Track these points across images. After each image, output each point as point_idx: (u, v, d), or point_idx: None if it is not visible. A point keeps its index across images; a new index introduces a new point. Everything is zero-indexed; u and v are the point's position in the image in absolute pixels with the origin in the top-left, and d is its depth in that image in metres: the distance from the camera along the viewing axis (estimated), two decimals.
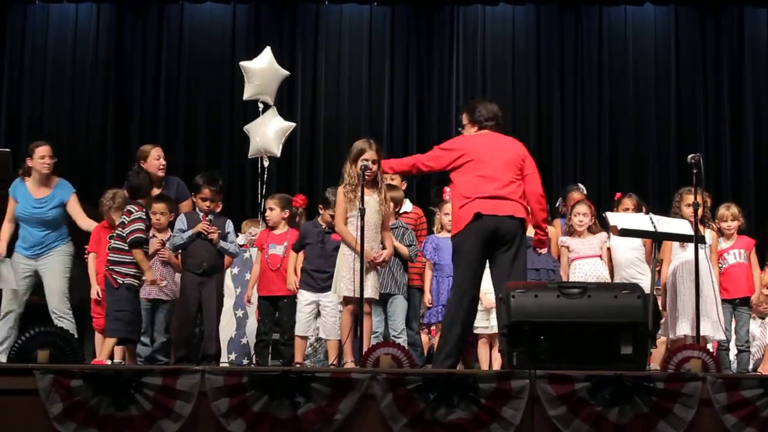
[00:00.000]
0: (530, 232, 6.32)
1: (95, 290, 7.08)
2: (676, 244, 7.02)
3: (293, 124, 9.19)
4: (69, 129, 10.82)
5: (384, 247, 6.29)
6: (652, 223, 6.68)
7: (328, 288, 6.70)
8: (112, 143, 10.81)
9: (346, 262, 6.23)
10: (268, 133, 8.82)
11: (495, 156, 6.03)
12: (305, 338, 6.84)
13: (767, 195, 10.69)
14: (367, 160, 6.15)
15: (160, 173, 7.55)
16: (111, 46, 10.96)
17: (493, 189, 5.94)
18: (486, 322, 6.81)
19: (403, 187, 7.65)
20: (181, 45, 11.02)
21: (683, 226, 6.74)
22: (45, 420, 5.13)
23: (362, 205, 6.12)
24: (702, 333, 6.55)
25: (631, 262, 7.16)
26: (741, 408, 5.11)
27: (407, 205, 7.60)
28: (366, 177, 6.10)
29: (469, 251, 5.94)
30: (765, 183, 10.67)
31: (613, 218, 6.76)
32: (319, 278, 6.80)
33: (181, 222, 6.79)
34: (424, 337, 7.28)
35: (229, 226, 6.89)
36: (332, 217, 6.62)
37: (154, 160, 7.54)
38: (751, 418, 5.10)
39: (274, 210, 7.42)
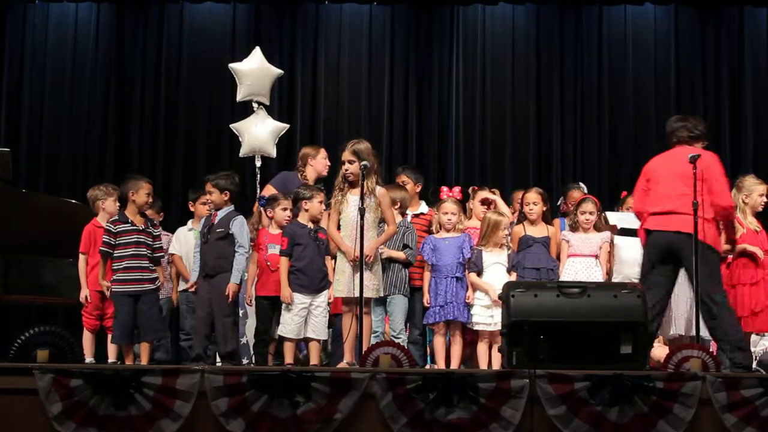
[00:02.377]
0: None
1: (84, 294, 7.08)
2: None
3: (287, 125, 9.19)
4: (69, 128, 10.81)
5: None
6: None
7: (323, 288, 6.71)
8: (111, 142, 10.79)
9: (338, 263, 6.37)
10: (263, 133, 8.82)
11: (668, 171, 6.23)
12: (295, 341, 6.79)
13: None
14: (342, 161, 6.41)
15: (325, 173, 7.86)
16: (111, 45, 10.94)
17: (664, 205, 6.16)
18: (489, 318, 6.79)
19: (418, 189, 7.67)
20: (181, 45, 11.00)
21: None
22: (44, 419, 5.14)
23: (362, 204, 6.17)
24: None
25: (637, 262, 7.12)
26: (741, 407, 5.12)
27: (423, 207, 7.61)
28: (347, 178, 6.36)
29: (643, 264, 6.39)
30: (765, 182, 10.63)
31: (613, 217, 6.76)
32: (315, 278, 6.69)
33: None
34: (440, 338, 7.12)
35: (235, 225, 6.78)
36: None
37: (322, 158, 7.83)
38: (750, 417, 5.11)
39: (286, 210, 7.31)
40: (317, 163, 7.80)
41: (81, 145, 10.78)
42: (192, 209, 8.09)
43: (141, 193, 6.95)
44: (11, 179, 8.02)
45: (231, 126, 9.07)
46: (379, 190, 6.42)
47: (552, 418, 5.11)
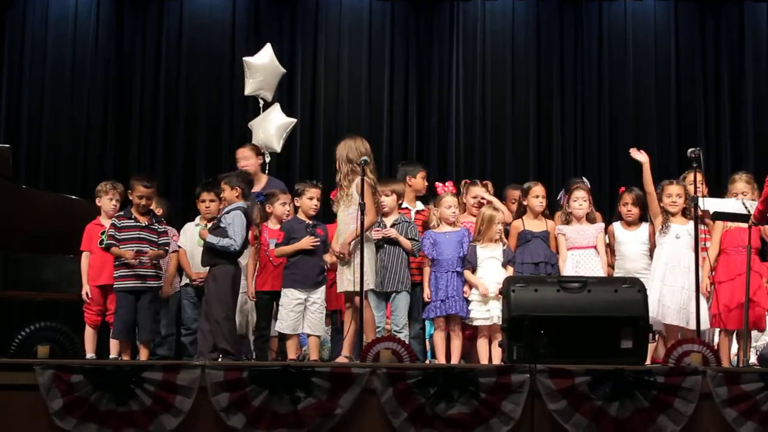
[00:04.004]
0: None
1: (85, 291, 7.10)
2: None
3: (294, 120, 9.20)
4: (68, 124, 10.79)
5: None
6: (746, 207, 6.61)
7: (320, 284, 6.72)
8: (111, 138, 10.78)
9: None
10: (270, 128, 8.84)
11: None
12: (296, 336, 6.80)
13: None
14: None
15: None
16: (110, 41, 10.93)
17: None
18: (486, 313, 6.78)
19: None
20: (181, 40, 10.98)
21: (737, 206, 6.72)
22: (45, 415, 5.15)
23: (362, 200, 6.20)
24: (675, 322, 6.60)
25: (638, 257, 7.12)
26: (741, 402, 5.12)
27: (420, 204, 7.62)
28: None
29: None
30: (763, 177, 10.63)
31: (707, 203, 6.72)
32: (309, 274, 6.70)
33: None
34: (440, 333, 7.09)
35: (227, 217, 6.68)
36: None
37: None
38: (751, 411, 5.11)
39: (285, 205, 7.34)
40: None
41: (80, 140, 10.76)
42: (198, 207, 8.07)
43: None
44: (11, 175, 8.01)
45: (249, 124, 9.08)
46: (358, 179, 6.41)
47: (552, 412, 5.11)
